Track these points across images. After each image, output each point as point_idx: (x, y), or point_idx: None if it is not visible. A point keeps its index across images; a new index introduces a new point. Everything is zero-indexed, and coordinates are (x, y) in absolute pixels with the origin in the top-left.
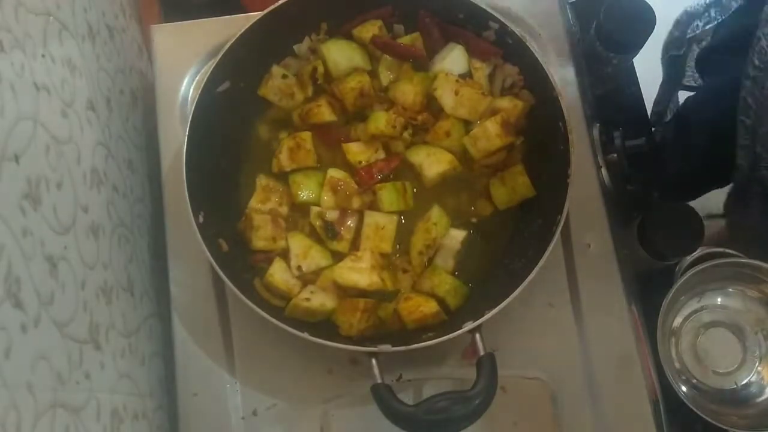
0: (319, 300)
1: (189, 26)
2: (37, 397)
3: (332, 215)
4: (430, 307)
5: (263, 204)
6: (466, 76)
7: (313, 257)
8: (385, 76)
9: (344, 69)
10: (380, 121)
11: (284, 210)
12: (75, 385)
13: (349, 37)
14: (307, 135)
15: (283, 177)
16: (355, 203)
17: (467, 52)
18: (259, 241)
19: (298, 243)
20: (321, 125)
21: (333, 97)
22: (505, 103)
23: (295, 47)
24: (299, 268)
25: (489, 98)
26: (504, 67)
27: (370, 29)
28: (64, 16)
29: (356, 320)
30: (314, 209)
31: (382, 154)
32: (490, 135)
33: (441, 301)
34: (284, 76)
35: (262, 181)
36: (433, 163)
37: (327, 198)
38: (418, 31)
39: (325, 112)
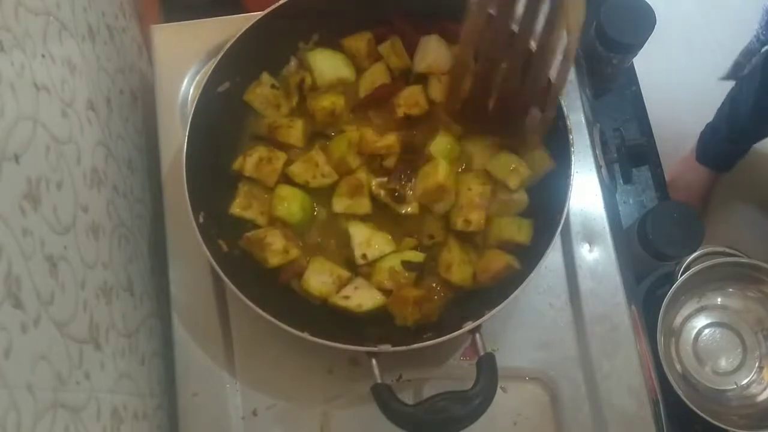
0: (356, 300)
1: (189, 26)
2: (37, 397)
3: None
4: (501, 261)
5: (245, 210)
6: None
7: (378, 243)
8: (364, 90)
9: (329, 79)
10: (342, 145)
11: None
12: (75, 385)
13: (337, 47)
14: (282, 156)
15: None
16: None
17: (444, 39)
18: (275, 257)
19: (359, 231)
20: (284, 144)
21: (312, 117)
22: None
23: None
24: (364, 256)
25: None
26: None
27: (359, 40)
28: (64, 16)
29: (409, 312)
30: (375, 181)
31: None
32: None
33: (513, 246)
34: (273, 86)
35: (244, 187)
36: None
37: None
38: (396, 35)
39: (293, 135)
